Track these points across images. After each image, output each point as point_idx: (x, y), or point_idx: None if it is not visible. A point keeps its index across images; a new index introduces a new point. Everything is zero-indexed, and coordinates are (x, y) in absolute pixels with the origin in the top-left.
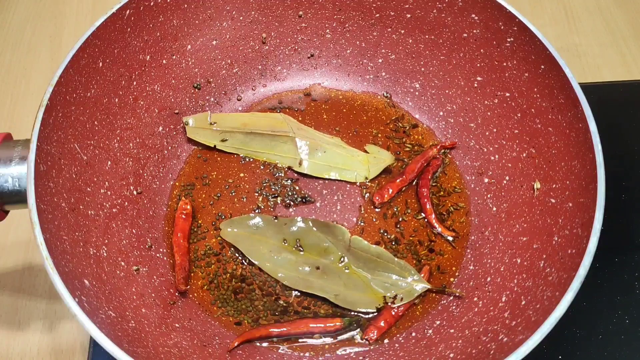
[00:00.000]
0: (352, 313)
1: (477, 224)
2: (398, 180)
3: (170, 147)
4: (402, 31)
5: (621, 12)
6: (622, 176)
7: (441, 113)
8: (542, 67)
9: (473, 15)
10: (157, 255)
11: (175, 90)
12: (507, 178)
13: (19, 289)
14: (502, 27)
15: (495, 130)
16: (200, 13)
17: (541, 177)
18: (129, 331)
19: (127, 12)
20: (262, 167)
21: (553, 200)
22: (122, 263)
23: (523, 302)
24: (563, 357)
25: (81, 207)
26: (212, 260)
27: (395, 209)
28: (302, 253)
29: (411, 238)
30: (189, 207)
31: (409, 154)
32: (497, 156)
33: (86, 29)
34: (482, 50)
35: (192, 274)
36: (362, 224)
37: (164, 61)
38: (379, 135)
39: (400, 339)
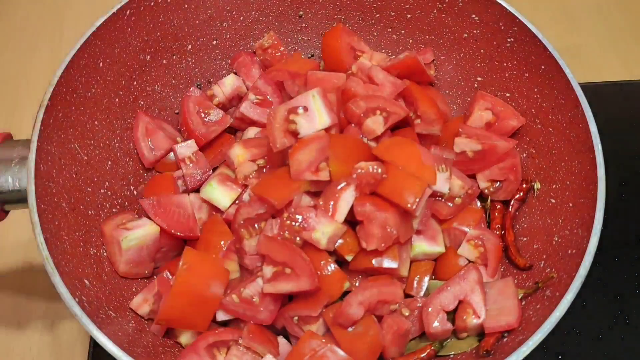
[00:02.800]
0: None
1: None
2: None
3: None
4: (403, 31)
5: (621, 12)
6: (622, 176)
7: None
8: (543, 67)
9: (473, 16)
10: None
11: (176, 90)
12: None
13: (19, 288)
14: (502, 28)
15: None
16: (201, 13)
17: (541, 177)
18: (129, 331)
19: (128, 12)
20: None
21: (553, 200)
22: None
23: (523, 302)
24: (563, 357)
25: (81, 207)
26: None
27: None
28: None
29: None
30: None
31: None
32: None
33: (86, 29)
34: (482, 51)
35: None
36: None
37: (164, 61)
38: None
39: None
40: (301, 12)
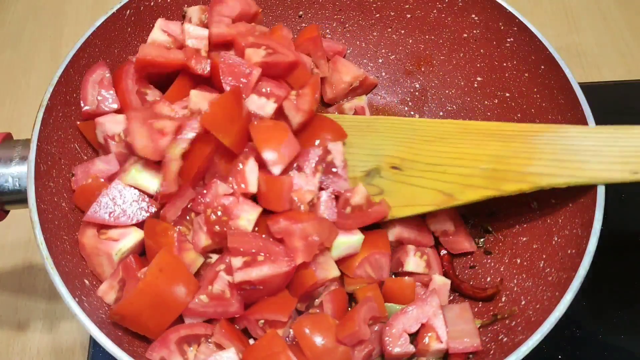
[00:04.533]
0: None
1: None
2: None
3: None
4: (402, 31)
5: (621, 12)
6: None
7: (441, 113)
8: (542, 67)
9: (473, 16)
10: None
11: None
12: None
13: (18, 288)
14: (502, 27)
15: None
16: None
17: None
18: (129, 331)
19: (127, 12)
20: None
21: (553, 200)
22: None
23: (523, 302)
24: (563, 357)
25: None
26: None
27: None
28: None
29: None
30: None
31: None
32: None
33: (86, 28)
34: (482, 51)
35: None
36: None
37: None
38: None
39: None
40: (301, 12)
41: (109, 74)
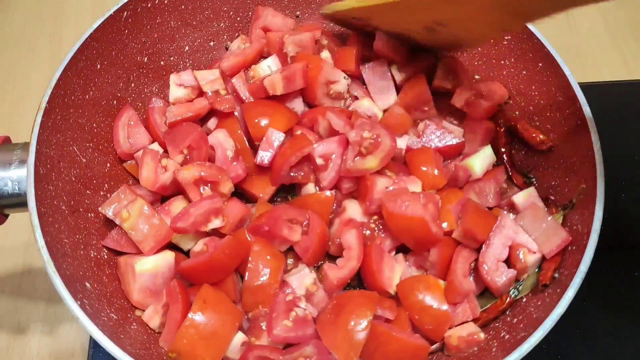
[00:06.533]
0: None
1: None
2: None
3: None
4: None
5: (621, 12)
6: (622, 176)
7: None
8: (540, 65)
9: None
10: None
11: None
12: None
13: (18, 290)
14: None
15: None
16: (198, 14)
17: (540, 174)
18: (132, 333)
19: (125, 13)
20: None
21: (553, 198)
22: None
23: (524, 300)
24: (563, 357)
25: (81, 209)
26: None
27: None
28: None
29: None
30: None
31: None
32: None
33: (86, 29)
34: (480, 49)
35: None
36: None
37: (162, 62)
38: None
39: None
40: (298, 12)
41: (133, 113)
